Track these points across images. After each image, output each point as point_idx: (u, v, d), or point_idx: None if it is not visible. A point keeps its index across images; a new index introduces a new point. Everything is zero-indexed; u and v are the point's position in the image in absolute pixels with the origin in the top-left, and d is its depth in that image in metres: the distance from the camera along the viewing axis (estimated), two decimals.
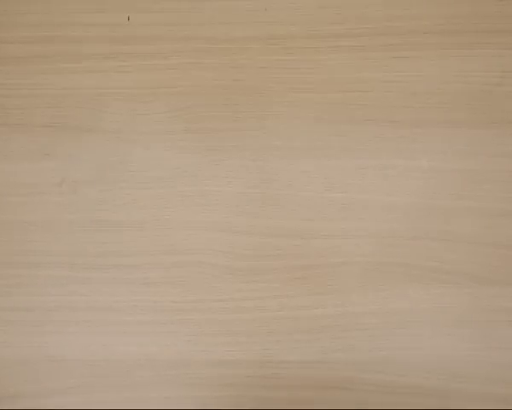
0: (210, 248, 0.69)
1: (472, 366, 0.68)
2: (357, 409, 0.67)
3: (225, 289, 0.69)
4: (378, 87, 0.71)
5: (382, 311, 0.69)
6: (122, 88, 0.72)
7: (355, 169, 0.70)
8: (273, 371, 0.68)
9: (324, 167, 0.70)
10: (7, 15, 0.73)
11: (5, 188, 0.72)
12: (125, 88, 0.72)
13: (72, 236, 0.70)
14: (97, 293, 0.70)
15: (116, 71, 0.72)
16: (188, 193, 0.70)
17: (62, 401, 0.69)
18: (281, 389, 0.68)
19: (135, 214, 0.70)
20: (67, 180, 0.71)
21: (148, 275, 0.70)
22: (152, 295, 0.70)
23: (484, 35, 0.71)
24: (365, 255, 0.69)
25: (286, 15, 0.73)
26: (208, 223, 0.70)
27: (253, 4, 0.74)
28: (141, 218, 0.70)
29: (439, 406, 0.67)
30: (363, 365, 0.68)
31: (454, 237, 0.69)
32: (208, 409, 0.68)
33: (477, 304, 0.68)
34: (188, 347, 0.69)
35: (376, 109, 0.71)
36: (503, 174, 0.70)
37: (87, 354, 0.69)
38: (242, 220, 0.70)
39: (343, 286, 0.69)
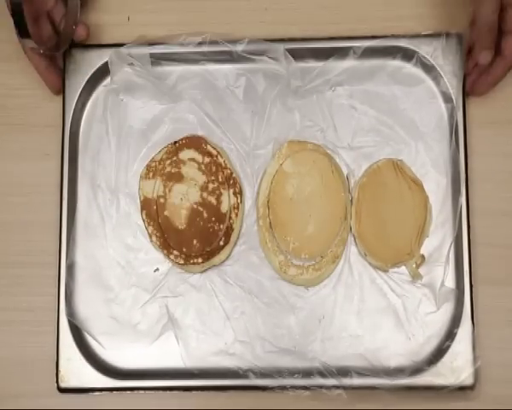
0: None
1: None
2: (355, 409, 0.67)
3: None
4: None
5: None
6: None
7: None
8: None
9: None
10: (7, 16, 0.73)
11: (5, 188, 0.72)
12: None
13: None
14: None
15: None
16: None
17: (62, 401, 0.68)
18: None
19: None
20: None
21: None
22: None
23: None
24: None
25: (286, 15, 0.73)
26: None
27: (253, 4, 0.74)
28: None
29: (437, 406, 0.67)
30: None
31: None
32: (210, 409, 0.69)
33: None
34: None
35: None
36: (504, 174, 0.71)
37: None
38: None
39: None
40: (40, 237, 0.71)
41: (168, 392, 0.68)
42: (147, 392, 0.68)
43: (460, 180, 0.68)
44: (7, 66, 0.74)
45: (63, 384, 0.67)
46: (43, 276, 0.70)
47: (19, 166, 0.72)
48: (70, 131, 0.70)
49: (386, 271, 0.68)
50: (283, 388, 0.66)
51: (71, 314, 0.68)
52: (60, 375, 0.67)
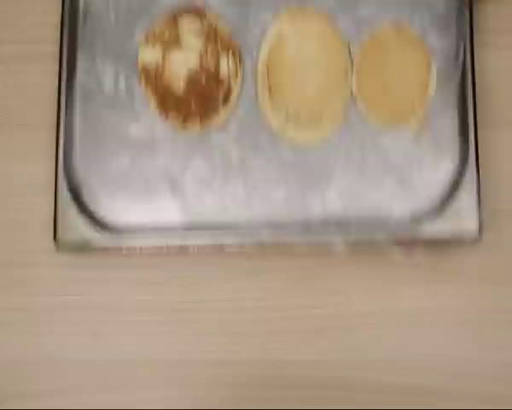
0: None
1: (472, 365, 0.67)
2: (357, 409, 0.67)
3: (225, 289, 0.69)
4: None
5: (383, 311, 0.68)
6: None
7: None
8: (273, 371, 0.68)
9: None
10: (7, 17, 0.73)
11: (5, 188, 0.72)
12: None
13: None
14: (97, 293, 0.70)
15: None
16: None
17: (62, 402, 0.68)
18: (281, 389, 0.68)
19: None
20: None
21: (147, 274, 0.70)
22: (151, 295, 0.69)
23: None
24: None
25: None
26: None
27: None
28: None
29: (439, 406, 0.66)
30: (364, 365, 0.68)
31: None
32: (208, 409, 0.68)
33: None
34: (188, 347, 0.69)
35: None
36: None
37: (87, 353, 0.69)
38: None
39: (343, 286, 0.69)
40: (40, 237, 0.71)
41: (164, 257, 0.68)
42: (143, 250, 0.67)
43: (464, 38, 0.67)
44: (7, 66, 0.74)
45: (60, 241, 0.67)
46: (43, 276, 0.70)
47: (19, 167, 0.72)
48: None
49: (387, 130, 0.68)
50: (281, 244, 0.66)
51: (69, 175, 0.68)
52: (58, 233, 0.67)
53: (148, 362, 0.69)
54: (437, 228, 0.64)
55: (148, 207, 0.68)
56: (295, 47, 0.69)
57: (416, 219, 0.65)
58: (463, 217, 0.64)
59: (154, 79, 0.69)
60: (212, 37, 0.69)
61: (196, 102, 0.68)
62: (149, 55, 0.70)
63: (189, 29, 0.70)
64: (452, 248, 0.66)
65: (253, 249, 0.66)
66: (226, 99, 0.69)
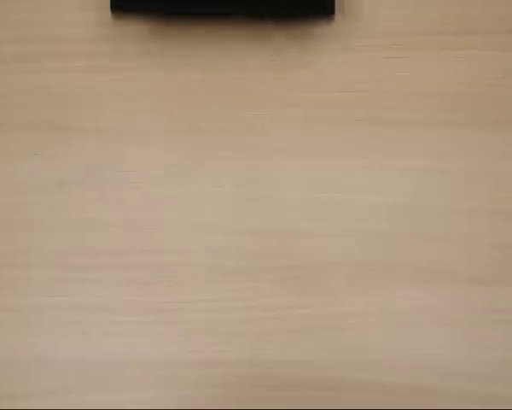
0: (198, 248, 0.70)
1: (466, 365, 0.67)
2: (347, 409, 0.67)
3: (214, 289, 0.69)
4: (373, 87, 0.71)
5: (371, 311, 0.68)
6: (110, 87, 0.73)
7: (342, 169, 0.70)
8: (262, 371, 0.68)
9: (312, 167, 0.70)
10: (8, 16, 0.74)
11: (5, 188, 0.73)
12: (112, 87, 0.73)
13: (62, 236, 0.71)
14: (87, 293, 0.70)
15: (103, 71, 0.72)
16: (176, 193, 0.70)
17: (53, 402, 0.69)
18: (271, 389, 0.68)
19: (124, 214, 0.71)
20: (57, 180, 0.71)
21: (137, 275, 0.70)
22: (141, 295, 0.70)
23: (482, 36, 0.71)
24: (353, 255, 0.68)
25: None
26: (196, 223, 0.70)
27: None
28: (130, 217, 0.70)
29: (432, 406, 0.66)
30: (352, 365, 0.68)
31: (443, 238, 0.69)
32: (198, 409, 0.69)
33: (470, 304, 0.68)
34: (176, 347, 0.69)
35: (368, 110, 0.71)
36: (498, 175, 0.70)
37: (77, 354, 0.69)
38: (230, 220, 0.70)
39: (331, 286, 0.69)
40: (40, 237, 0.71)
41: None
42: None
43: None
44: (6, 66, 0.74)
45: None
46: (44, 276, 0.71)
47: (18, 166, 0.73)
48: None
49: None
50: None
51: None
52: None
53: (139, 363, 0.69)
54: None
55: None
56: None
57: None
58: None
59: None
60: None
61: None
62: None
63: None
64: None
65: None
66: None
